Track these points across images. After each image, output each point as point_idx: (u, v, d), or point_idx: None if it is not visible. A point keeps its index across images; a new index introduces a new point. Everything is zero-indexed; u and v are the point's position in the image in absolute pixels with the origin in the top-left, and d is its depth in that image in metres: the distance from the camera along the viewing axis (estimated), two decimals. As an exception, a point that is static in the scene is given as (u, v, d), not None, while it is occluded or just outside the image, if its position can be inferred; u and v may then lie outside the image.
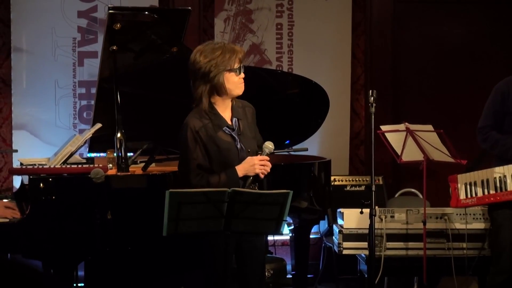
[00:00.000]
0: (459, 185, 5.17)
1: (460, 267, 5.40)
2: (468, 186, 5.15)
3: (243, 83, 4.07)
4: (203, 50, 4.03)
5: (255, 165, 3.99)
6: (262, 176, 4.03)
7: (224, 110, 4.09)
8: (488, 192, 5.06)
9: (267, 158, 4.03)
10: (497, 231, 5.05)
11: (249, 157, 4.02)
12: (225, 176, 3.97)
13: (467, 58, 7.10)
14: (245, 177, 4.01)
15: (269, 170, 4.05)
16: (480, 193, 5.10)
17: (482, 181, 5.10)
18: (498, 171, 5.05)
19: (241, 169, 3.99)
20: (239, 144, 4.05)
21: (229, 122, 4.08)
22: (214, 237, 3.94)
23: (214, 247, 3.99)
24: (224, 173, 3.98)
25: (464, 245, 5.46)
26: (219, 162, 4.01)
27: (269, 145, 4.05)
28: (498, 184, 5.04)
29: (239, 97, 4.15)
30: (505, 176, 5.01)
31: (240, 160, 4.02)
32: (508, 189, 4.99)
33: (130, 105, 4.91)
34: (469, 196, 5.13)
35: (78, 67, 6.69)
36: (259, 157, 4.02)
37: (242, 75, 4.06)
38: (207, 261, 4.05)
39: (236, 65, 4.02)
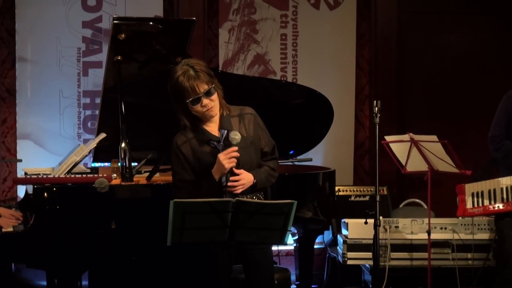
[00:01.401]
0: (466, 194, 5.14)
1: (465, 277, 5.39)
2: (475, 196, 5.13)
3: (212, 107, 3.97)
4: (173, 73, 4.01)
5: (222, 161, 3.90)
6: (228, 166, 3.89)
7: (211, 123, 4.06)
8: (495, 201, 5.03)
9: (232, 149, 3.91)
10: (503, 241, 5.02)
11: (218, 156, 3.94)
12: (205, 184, 3.96)
13: (472, 69, 7.09)
14: (227, 176, 3.94)
15: (234, 161, 3.90)
16: (486, 203, 5.07)
17: (489, 191, 5.07)
18: (506, 182, 5.02)
19: (215, 172, 3.94)
20: None
21: (217, 134, 4.05)
22: (214, 248, 3.94)
23: (214, 258, 3.98)
24: (204, 181, 3.97)
25: (469, 255, 5.45)
26: (204, 175, 3.99)
27: (232, 135, 3.93)
28: (505, 194, 5.01)
29: (241, 103, 4.14)
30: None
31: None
32: None
33: (134, 115, 4.91)
34: (475, 205, 5.11)
35: (83, 77, 6.70)
36: (224, 152, 3.93)
37: (205, 102, 3.95)
38: (207, 272, 4.05)
39: (189, 98, 3.94)
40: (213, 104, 3.99)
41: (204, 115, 4.01)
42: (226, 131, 4.03)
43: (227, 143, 3.99)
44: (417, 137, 5.23)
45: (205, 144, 4.01)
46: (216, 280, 4.00)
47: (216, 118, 4.06)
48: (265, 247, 4.11)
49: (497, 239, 5.18)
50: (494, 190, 5.05)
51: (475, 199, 5.12)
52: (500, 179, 5.06)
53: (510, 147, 5.03)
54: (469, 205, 5.13)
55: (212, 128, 4.06)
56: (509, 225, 5.00)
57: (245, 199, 3.79)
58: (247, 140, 4.06)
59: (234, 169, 3.96)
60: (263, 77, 6.60)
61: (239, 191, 3.97)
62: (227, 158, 3.90)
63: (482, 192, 5.11)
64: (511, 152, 5.02)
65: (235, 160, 3.92)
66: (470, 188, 5.16)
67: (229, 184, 3.95)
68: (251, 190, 4.04)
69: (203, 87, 3.95)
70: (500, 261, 5.06)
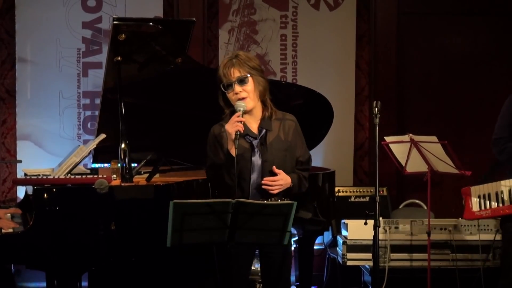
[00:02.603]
0: (472, 197, 5.08)
1: (465, 278, 5.39)
2: (482, 198, 5.05)
3: (245, 97, 4.05)
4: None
5: (226, 128, 3.97)
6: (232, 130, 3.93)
7: (252, 119, 4.13)
8: (503, 204, 4.96)
9: (236, 115, 3.98)
10: (509, 243, 4.97)
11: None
12: (226, 163, 4.00)
13: (472, 70, 7.09)
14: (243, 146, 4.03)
15: (240, 126, 3.94)
16: (494, 205, 4.99)
17: (497, 193, 4.99)
18: None
19: (229, 145, 3.99)
20: (256, 153, 4.07)
21: (255, 131, 4.11)
22: (231, 248, 3.94)
23: (231, 258, 3.97)
24: (225, 158, 4.02)
25: (469, 256, 5.44)
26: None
27: (238, 103, 4.02)
28: None
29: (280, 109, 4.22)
30: None
31: (253, 168, 4.05)
32: None
33: (134, 116, 4.91)
34: (483, 208, 5.03)
35: (83, 77, 6.71)
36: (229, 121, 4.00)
37: (236, 89, 4.04)
38: (224, 271, 4.06)
39: (224, 81, 4.07)
40: (245, 94, 4.06)
41: (234, 102, 4.06)
42: (265, 130, 4.10)
43: (264, 142, 4.08)
44: (417, 138, 5.22)
45: (242, 137, 4.04)
46: (232, 280, 3.99)
47: (258, 116, 4.14)
48: (286, 249, 4.12)
49: (502, 241, 5.14)
50: (502, 192, 4.99)
51: (482, 201, 5.05)
52: (507, 180, 4.98)
53: None
54: (475, 207, 5.06)
55: (252, 124, 4.13)
56: None
57: (245, 200, 3.79)
58: (284, 144, 4.14)
59: (274, 168, 4.03)
60: (263, 78, 6.59)
61: (275, 192, 4.02)
62: (230, 124, 3.96)
63: (489, 195, 5.02)
64: None
65: (239, 124, 3.95)
66: (476, 190, 5.08)
67: (264, 182, 4.01)
68: (284, 193, 4.08)
69: (236, 74, 4.04)
70: (506, 263, 5.00)
